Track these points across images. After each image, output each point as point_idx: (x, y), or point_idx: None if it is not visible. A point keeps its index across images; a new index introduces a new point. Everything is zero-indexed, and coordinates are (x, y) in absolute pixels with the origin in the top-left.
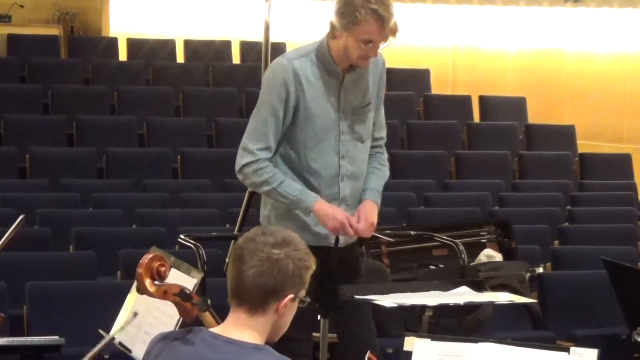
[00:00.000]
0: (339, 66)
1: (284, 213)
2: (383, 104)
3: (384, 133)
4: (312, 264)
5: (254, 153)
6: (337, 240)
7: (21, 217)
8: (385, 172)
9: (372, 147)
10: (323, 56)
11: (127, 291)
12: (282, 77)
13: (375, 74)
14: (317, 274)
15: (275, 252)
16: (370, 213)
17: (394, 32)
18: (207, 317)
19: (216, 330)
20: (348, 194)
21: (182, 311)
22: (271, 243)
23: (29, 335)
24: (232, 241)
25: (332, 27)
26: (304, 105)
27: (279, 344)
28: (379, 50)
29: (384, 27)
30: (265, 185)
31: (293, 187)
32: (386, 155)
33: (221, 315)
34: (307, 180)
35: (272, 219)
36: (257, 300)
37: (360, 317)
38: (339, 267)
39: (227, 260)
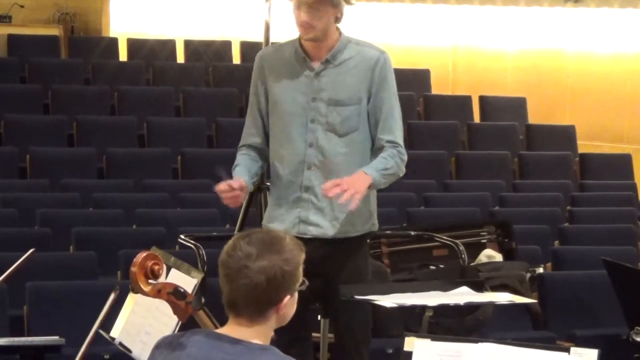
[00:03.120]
0: (310, 53)
1: (268, 205)
2: (390, 105)
3: (391, 136)
4: (301, 257)
5: (240, 143)
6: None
7: (31, 250)
8: (390, 161)
9: (377, 150)
10: (295, 44)
11: (127, 291)
12: (254, 68)
13: (364, 69)
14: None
15: (260, 264)
16: (351, 179)
17: None
18: (202, 315)
19: (221, 330)
20: (316, 184)
21: (176, 310)
22: (253, 255)
23: (29, 335)
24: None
25: None
26: (271, 92)
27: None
28: (311, 19)
29: None
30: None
31: (237, 172)
32: (400, 156)
33: (222, 315)
34: (275, 166)
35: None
36: (254, 311)
37: (356, 313)
38: (327, 262)
39: None
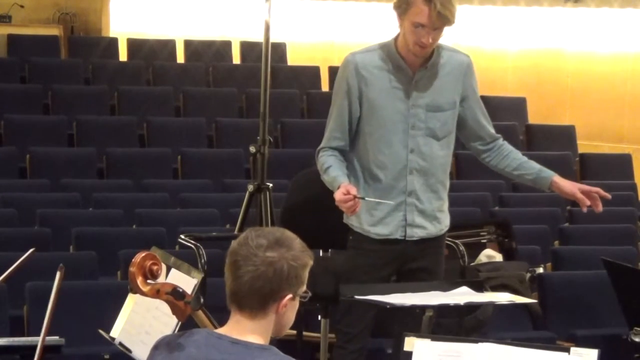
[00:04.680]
0: (407, 60)
1: (363, 208)
2: (482, 105)
3: (494, 131)
4: (309, 260)
5: (321, 144)
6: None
7: (31, 250)
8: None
9: (492, 143)
10: (389, 50)
11: (127, 291)
12: (344, 71)
13: (458, 74)
14: (384, 265)
15: (269, 254)
16: (571, 183)
17: (442, 18)
18: (200, 315)
19: (220, 331)
20: (417, 187)
21: (174, 310)
22: (264, 246)
23: (29, 335)
24: (232, 241)
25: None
26: (368, 97)
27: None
28: (432, 40)
29: (432, 10)
30: (320, 172)
31: (332, 173)
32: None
33: (222, 315)
34: (374, 173)
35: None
36: (256, 304)
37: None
38: (409, 263)
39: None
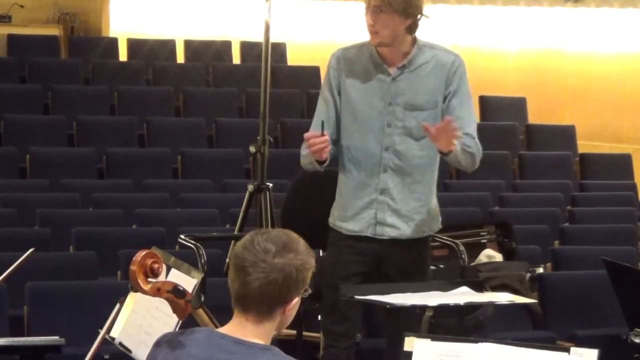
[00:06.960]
0: (386, 57)
1: (336, 203)
2: (467, 107)
3: (468, 129)
4: (313, 262)
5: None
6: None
7: (31, 250)
8: (471, 142)
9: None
10: (370, 48)
11: (127, 291)
12: (328, 66)
13: (441, 74)
14: (357, 262)
15: (278, 261)
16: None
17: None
18: (201, 314)
19: (222, 330)
20: (392, 186)
21: (175, 308)
22: (272, 252)
23: (29, 335)
24: (232, 241)
25: None
26: (345, 92)
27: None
28: (373, 22)
29: None
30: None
31: (302, 151)
32: (478, 146)
33: (223, 316)
34: (348, 168)
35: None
36: (264, 308)
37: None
38: (386, 264)
39: (228, 260)
